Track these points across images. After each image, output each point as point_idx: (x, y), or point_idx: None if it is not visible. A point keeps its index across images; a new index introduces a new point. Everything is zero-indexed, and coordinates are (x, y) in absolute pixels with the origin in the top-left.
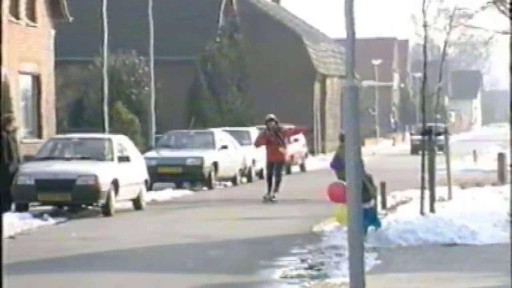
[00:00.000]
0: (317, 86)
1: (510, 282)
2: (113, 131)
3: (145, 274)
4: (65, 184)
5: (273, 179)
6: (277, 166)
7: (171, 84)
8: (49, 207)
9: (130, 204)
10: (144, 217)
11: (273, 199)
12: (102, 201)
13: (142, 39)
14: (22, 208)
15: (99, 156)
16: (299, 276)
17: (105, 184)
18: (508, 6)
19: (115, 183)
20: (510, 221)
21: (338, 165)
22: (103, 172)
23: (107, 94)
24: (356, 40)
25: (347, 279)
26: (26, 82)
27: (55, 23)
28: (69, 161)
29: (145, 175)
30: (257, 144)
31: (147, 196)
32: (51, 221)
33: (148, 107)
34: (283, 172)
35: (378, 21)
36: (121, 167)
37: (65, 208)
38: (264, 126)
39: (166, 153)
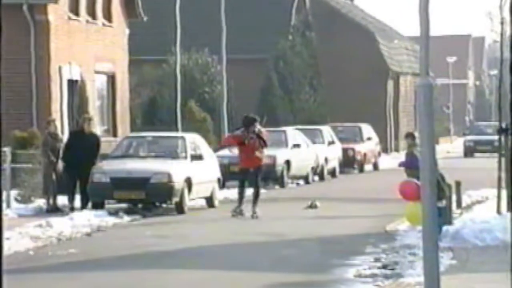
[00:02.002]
0: (390, 84)
1: (510, 281)
2: (186, 129)
3: (219, 272)
4: (139, 182)
5: (246, 190)
6: (254, 174)
7: (243, 83)
8: (124, 205)
9: (203, 202)
10: (217, 215)
11: (254, 214)
12: (175, 199)
13: (214, 38)
14: (98, 205)
15: (172, 154)
16: (373, 275)
17: (178, 182)
18: None
19: (189, 181)
20: (510, 221)
21: (409, 164)
22: (177, 170)
23: (180, 93)
24: (431, 37)
25: (421, 279)
26: (101, 82)
27: (130, 22)
28: (144, 159)
29: (218, 173)
30: (226, 142)
31: (220, 194)
32: (126, 218)
33: (220, 106)
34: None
35: (453, 18)
36: (194, 165)
37: (140, 206)
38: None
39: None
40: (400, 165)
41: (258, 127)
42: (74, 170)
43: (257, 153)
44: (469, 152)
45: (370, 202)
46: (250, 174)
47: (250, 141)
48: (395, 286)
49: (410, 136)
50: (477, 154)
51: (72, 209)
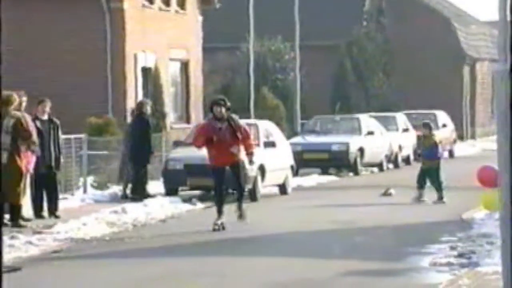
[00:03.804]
0: (466, 70)
1: (510, 278)
2: (259, 116)
3: (292, 259)
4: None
5: (224, 196)
6: (234, 173)
7: (316, 69)
8: (197, 192)
9: (276, 190)
10: (290, 202)
11: (241, 214)
12: (249, 186)
13: (288, 25)
14: (172, 192)
15: None
16: (449, 264)
17: (251, 170)
18: None
19: (262, 169)
20: (510, 220)
21: (430, 155)
22: None
23: (253, 80)
24: (510, 22)
25: (499, 268)
26: (175, 69)
27: (203, 9)
28: None
29: (291, 161)
30: (196, 140)
31: (293, 182)
32: (200, 205)
33: (293, 93)
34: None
35: None
36: (267, 153)
37: (213, 192)
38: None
39: (311, 138)
40: (419, 155)
41: (223, 112)
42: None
43: (233, 148)
44: None
45: (445, 189)
46: (227, 173)
47: (219, 135)
48: (472, 275)
49: (426, 126)
50: None
51: (146, 196)
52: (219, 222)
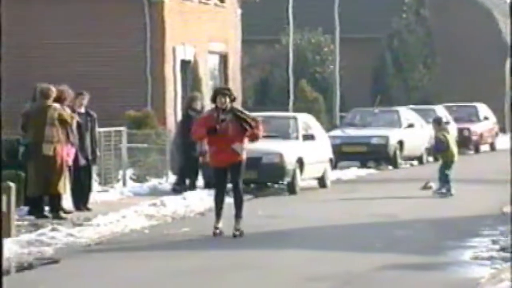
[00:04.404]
0: (509, 62)
1: (510, 277)
2: (298, 109)
3: (331, 252)
4: (251, 162)
5: (224, 199)
6: (233, 174)
7: (356, 62)
8: None
9: (315, 183)
10: (329, 195)
11: (236, 232)
12: (287, 179)
13: (328, 17)
14: (210, 185)
15: (284, 134)
16: (490, 258)
17: (290, 163)
18: None
19: (300, 162)
20: (510, 219)
21: (440, 147)
22: (289, 151)
23: (292, 73)
24: None
25: None
26: (214, 62)
27: (242, 2)
28: None
29: (330, 154)
30: (195, 132)
31: (332, 175)
32: None
33: (332, 85)
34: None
35: None
36: (306, 146)
37: (251, 185)
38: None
39: (350, 131)
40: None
41: (227, 102)
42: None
43: (235, 146)
44: None
45: (486, 183)
46: (230, 173)
47: (221, 128)
48: None
49: (436, 121)
50: None
51: (186, 189)
52: (219, 225)
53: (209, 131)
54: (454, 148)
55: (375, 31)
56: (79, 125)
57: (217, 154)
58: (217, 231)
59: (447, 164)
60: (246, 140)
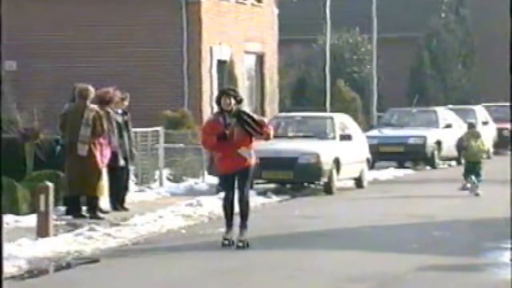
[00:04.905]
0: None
1: (510, 277)
2: (335, 109)
3: (368, 253)
4: (287, 162)
5: (238, 207)
6: (240, 180)
7: (394, 62)
8: (272, 185)
9: (351, 183)
10: (366, 195)
11: (240, 244)
12: (324, 179)
13: (365, 17)
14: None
15: (321, 134)
16: None
17: (327, 163)
18: None
19: (337, 162)
20: (510, 220)
21: (459, 144)
22: (325, 151)
23: (329, 73)
24: None
25: None
26: (250, 62)
27: (279, 2)
28: (292, 139)
29: (367, 154)
30: (206, 142)
31: (369, 175)
32: (275, 198)
33: (369, 85)
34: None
35: None
36: (342, 146)
37: (288, 186)
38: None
39: (388, 131)
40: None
41: (232, 104)
42: None
43: (241, 151)
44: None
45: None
46: (238, 180)
47: (229, 131)
48: None
49: (469, 125)
50: None
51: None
52: (228, 237)
53: (218, 138)
54: (473, 150)
55: (412, 30)
56: (118, 126)
57: (223, 160)
58: (227, 242)
59: (468, 163)
60: (253, 143)
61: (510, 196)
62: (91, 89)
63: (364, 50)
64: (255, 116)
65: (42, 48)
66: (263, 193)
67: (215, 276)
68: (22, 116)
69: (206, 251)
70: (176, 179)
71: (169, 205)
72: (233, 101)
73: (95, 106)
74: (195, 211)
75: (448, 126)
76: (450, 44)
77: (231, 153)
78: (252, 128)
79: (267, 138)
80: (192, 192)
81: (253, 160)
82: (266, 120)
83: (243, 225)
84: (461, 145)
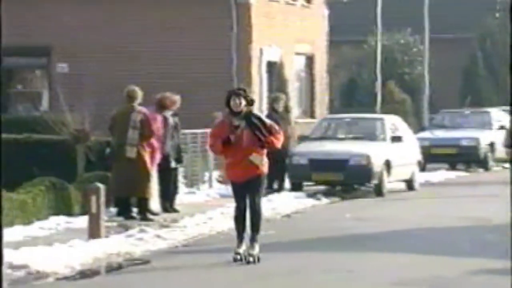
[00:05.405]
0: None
1: (510, 277)
2: (385, 111)
3: (420, 256)
4: (338, 164)
5: (248, 216)
6: (250, 189)
7: (446, 63)
8: (322, 187)
9: (402, 185)
10: (417, 198)
11: (250, 259)
12: (374, 181)
13: (417, 17)
14: (296, 187)
15: (371, 136)
16: None
17: (377, 165)
18: None
19: (388, 164)
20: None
21: (507, 143)
22: (376, 153)
23: (379, 74)
24: None
25: None
26: (300, 63)
27: (329, 3)
28: (342, 141)
29: (418, 156)
30: (212, 145)
31: (420, 177)
32: (324, 200)
33: (421, 87)
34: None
35: None
36: (393, 148)
37: (338, 188)
38: None
39: (439, 133)
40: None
41: (242, 105)
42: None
43: (253, 157)
44: None
45: None
46: (249, 189)
47: (236, 135)
48: None
49: None
50: None
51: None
52: (240, 251)
53: (223, 142)
54: None
55: (465, 31)
56: (166, 127)
57: (232, 167)
58: (238, 256)
59: None
60: (265, 150)
61: (510, 197)
62: (139, 91)
63: (415, 50)
64: (267, 121)
65: (93, 51)
66: (312, 195)
67: (264, 278)
68: (73, 118)
69: None
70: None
71: (218, 206)
72: (243, 102)
73: (142, 108)
74: None
75: (502, 127)
76: (504, 45)
77: (241, 160)
78: (260, 132)
79: (269, 146)
80: None
81: (265, 168)
82: (277, 127)
83: (253, 238)
84: (508, 143)
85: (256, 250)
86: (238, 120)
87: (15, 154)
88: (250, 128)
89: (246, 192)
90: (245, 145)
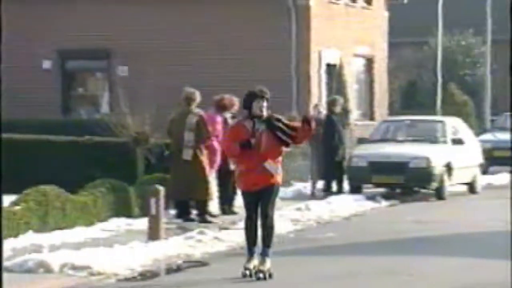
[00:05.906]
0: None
1: (510, 276)
2: (446, 113)
3: (481, 260)
4: (398, 167)
5: (259, 228)
6: (263, 200)
7: (508, 64)
8: (381, 190)
9: (464, 188)
10: (479, 201)
11: (260, 275)
12: (435, 184)
13: (479, 18)
14: (356, 190)
15: (431, 138)
16: None
17: (438, 167)
18: None
19: (448, 166)
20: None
21: None
22: (436, 155)
23: (440, 76)
24: None
25: None
26: (359, 65)
27: (390, 4)
28: (402, 143)
29: (480, 159)
30: (229, 149)
31: (483, 180)
32: (384, 203)
33: (482, 88)
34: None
35: None
36: (454, 150)
37: (398, 190)
38: None
39: (502, 135)
40: None
41: (263, 108)
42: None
43: (268, 165)
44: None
45: None
46: (262, 199)
47: (256, 138)
48: None
49: None
50: None
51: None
52: (250, 266)
53: (242, 146)
54: None
55: None
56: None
57: (246, 175)
58: (248, 272)
59: None
60: (280, 158)
61: (510, 201)
62: (197, 93)
63: (477, 52)
64: (287, 121)
65: (153, 54)
66: (372, 197)
67: (323, 281)
68: (133, 120)
69: (315, 256)
70: (284, 183)
71: (277, 209)
72: (265, 105)
73: (199, 111)
74: (303, 216)
75: None
76: None
77: (256, 167)
78: (284, 133)
79: (300, 141)
80: (300, 197)
81: (280, 178)
82: (310, 119)
83: (265, 253)
84: None
85: (268, 265)
86: (258, 123)
87: (76, 156)
88: (271, 131)
89: (259, 202)
90: (263, 150)
